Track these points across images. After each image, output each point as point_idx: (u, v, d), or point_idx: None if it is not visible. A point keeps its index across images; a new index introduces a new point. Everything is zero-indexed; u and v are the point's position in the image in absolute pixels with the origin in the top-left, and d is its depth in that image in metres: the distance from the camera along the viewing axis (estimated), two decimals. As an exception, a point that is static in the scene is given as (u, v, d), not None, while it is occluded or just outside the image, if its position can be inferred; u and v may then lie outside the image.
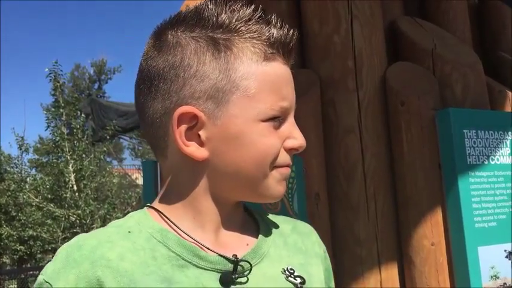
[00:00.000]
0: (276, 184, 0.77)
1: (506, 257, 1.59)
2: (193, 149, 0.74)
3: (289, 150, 0.78)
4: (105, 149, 11.33)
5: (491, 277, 1.55)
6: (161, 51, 0.75)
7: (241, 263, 0.74)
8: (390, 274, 1.63)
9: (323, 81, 1.74)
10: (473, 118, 1.64)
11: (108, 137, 10.69)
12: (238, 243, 0.78)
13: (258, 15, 0.75)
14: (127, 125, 10.77)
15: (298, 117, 1.62)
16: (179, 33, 0.75)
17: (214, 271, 0.72)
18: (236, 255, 0.74)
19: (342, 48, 1.74)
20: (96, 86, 21.25)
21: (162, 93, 0.74)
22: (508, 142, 1.70)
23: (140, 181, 15.02)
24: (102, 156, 11.52)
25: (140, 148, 18.21)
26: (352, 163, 1.67)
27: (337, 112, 1.71)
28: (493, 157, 1.65)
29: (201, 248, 0.73)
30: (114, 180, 12.18)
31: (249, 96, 0.73)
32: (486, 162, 1.63)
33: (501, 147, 1.67)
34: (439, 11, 2.07)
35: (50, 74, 10.44)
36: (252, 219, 0.85)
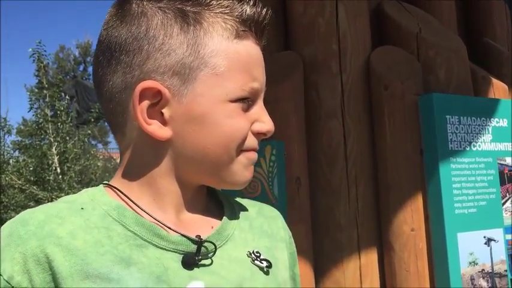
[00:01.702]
0: (242, 169, 0.74)
1: (485, 243, 1.59)
2: (155, 128, 0.69)
3: (256, 135, 0.74)
4: (89, 131, 11.20)
5: (470, 263, 1.55)
6: (124, 21, 0.69)
7: (205, 244, 0.70)
8: (370, 259, 1.62)
9: (306, 63, 1.71)
10: (456, 104, 1.63)
11: (92, 120, 10.59)
12: (201, 225, 0.74)
13: None
14: (112, 108, 10.68)
15: (280, 100, 1.61)
16: (145, 3, 0.70)
17: (176, 252, 0.68)
18: (200, 236, 0.70)
19: (326, 31, 1.71)
20: (81, 67, 20.98)
21: (123, 66, 0.69)
22: (490, 129, 1.69)
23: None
24: (86, 139, 11.40)
25: (125, 131, 18.05)
26: (334, 147, 1.66)
27: (320, 95, 1.69)
28: (474, 143, 1.64)
29: (162, 227, 0.69)
30: (99, 163, 12.07)
31: (218, 75, 0.69)
32: (468, 149, 1.62)
33: (483, 134, 1.67)
34: (425, -4, 2.04)
35: (33, 54, 10.25)
36: (216, 201, 0.82)
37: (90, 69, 20.81)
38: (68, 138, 10.61)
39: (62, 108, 10.67)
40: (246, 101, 0.72)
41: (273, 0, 1.84)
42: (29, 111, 10.79)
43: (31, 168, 10.71)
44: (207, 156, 0.71)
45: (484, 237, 1.59)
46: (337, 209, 1.63)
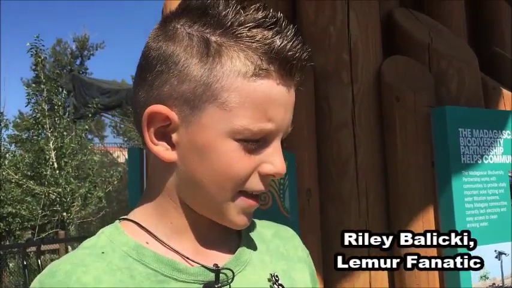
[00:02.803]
0: (234, 213, 0.72)
1: (496, 257, 1.58)
2: (161, 149, 0.71)
3: (265, 176, 0.71)
4: (86, 126, 11.16)
5: (481, 277, 1.54)
6: (157, 40, 0.71)
7: (224, 271, 0.71)
8: (380, 273, 1.61)
9: (317, 73, 1.69)
10: (469, 117, 1.62)
11: (90, 115, 10.56)
12: (219, 251, 0.75)
13: (270, 23, 0.68)
14: (109, 103, 10.65)
15: (291, 111, 1.59)
16: (178, 26, 0.70)
17: (196, 283, 0.69)
18: (217, 265, 0.71)
19: (337, 40, 1.69)
20: (78, 61, 20.87)
21: (147, 84, 0.71)
22: (502, 141, 1.68)
23: (122, 159, 14.88)
24: (83, 134, 11.37)
25: (122, 126, 18.02)
26: (345, 158, 1.64)
27: (330, 106, 1.67)
28: (486, 156, 1.63)
29: (182, 258, 0.71)
30: (96, 158, 12.04)
31: (226, 110, 0.67)
32: (480, 162, 1.61)
33: (495, 146, 1.66)
34: (434, 3, 2.03)
35: (31, 48, 10.21)
36: None
37: (86, 63, 20.73)
38: (65, 133, 10.58)
39: (59, 103, 10.64)
40: (253, 142, 0.69)
41: (283, 8, 1.82)
42: (26, 106, 10.76)
43: (28, 163, 10.67)
44: (202, 190, 0.70)
45: (495, 251, 1.58)
46: (347, 220, 1.62)
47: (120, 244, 0.70)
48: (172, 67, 0.68)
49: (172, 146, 0.70)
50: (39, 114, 10.28)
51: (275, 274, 0.76)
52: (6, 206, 10.41)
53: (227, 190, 0.70)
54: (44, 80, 10.41)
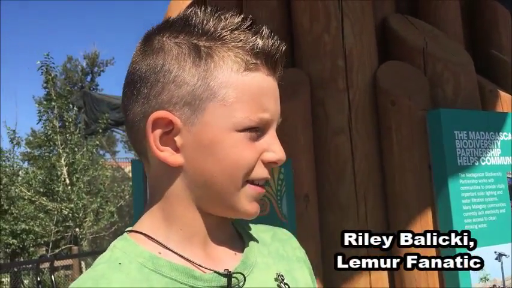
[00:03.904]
0: (246, 201, 0.75)
1: (496, 258, 1.58)
2: (167, 154, 0.73)
3: (267, 164, 0.76)
4: (97, 142, 11.27)
5: (481, 279, 1.54)
6: (145, 56, 0.74)
7: (235, 275, 0.74)
8: (380, 275, 1.62)
9: (313, 80, 1.71)
10: (465, 119, 1.63)
11: (100, 130, 10.65)
12: (227, 256, 0.78)
13: (247, 25, 0.73)
14: (120, 118, 10.73)
15: (288, 117, 1.61)
16: (164, 39, 0.74)
17: None
18: (228, 270, 0.74)
19: (332, 47, 1.72)
20: (88, 78, 21.08)
21: (142, 97, 0.73)
22: (499, 143, 1.68)
23: (133, 174, 14.92)
24: (94, 150, 11.47)
25: (133, 141, 18.06)
26: (342, 164, 1.66)
27: (327, 112, 1.69)
28: (483, 158, 1.64)
29: (194, 268, 0.73)
30: (107, 173, 12.12)
31: (226, 105, 0.71)
32: (477, 164, 1.62)
33: (492, 148, 1.66)
34: (430, 8, 2.05)
35: (41, 66, 10.36)
36: (235, 230, 0.85)
37: (97, 79, 20.93)
38: (76, 149, 10.68)
39: (70, 120, 10.76)
40: (254, 131, 0.73)
41: (279, 16, 1.85)
42: (37, 123, 10.88)
43: (40, 180, 10.77)
44: (215, 185, 0.73)
45: (495, 252, 1.58)
46: (346, 225, 1.63)
47: (135, 256, 0.72)
48: (167, 75, 0.72)
49: (177, 150, 0.73)
50: (50, 131, 10.40)
51: (281, 274, 0.80)
52: (19, 222, 10.51)
53: (238, 180, 0.73)
54: (54, 97, 10.53)
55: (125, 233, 0.77)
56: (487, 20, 2.21)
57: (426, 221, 1.59)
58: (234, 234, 0.83)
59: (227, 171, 0.72)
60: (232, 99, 0.71)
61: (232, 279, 0.73)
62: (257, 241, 0.84)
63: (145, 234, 0.75)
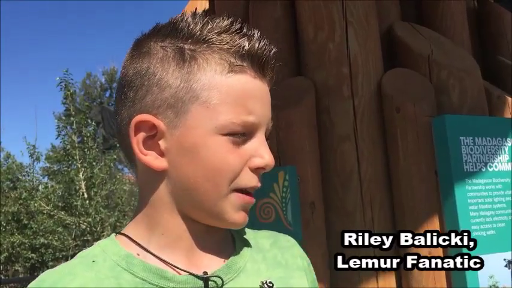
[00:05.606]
0: (231, 210, 0.72)
1: (506, 265, 1.56)
2: (151, 159, 0.71)
3: (255, 170, 0.73)
4: (115, 156, 11.37)
5: (490, 286, 1.51)
6: (133, 60, 0.74)
7: (214, 279, 0.71)
8: (388, 282, 1.61)
9: (318, 88, 1.72)
10: (470, 125, 1.62)
11: (118, 145, 10.73)
12: (212, 261, 0.75)
13: (235, 28, 0.72)
14: (137, 133, 10.82)
15: (293, 125, 1.62)
16: (151, 43, 0.74)
17: None
18: (206, 272, 0.71)
19: (337, 55, 1.73)
20: (107, 94, 21.40)
21: (129, 101, 0.73)
22: (507, 148, 1.67)
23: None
24: (112, 164, 11.57)
25: (151, 155, 18.23)
26: (348, 171, 1.66)
27: (332, 119, 1.70)
28: (491, 164, 1.62)
29: (168, 269, 0.71)
30: (125, 188, 12.21)
31: (209, 108, 0.70)
32: (484, 170, 1.60)
33: (499, 154, 1.65)
34: (436, 15, 2.05)
35: (60, 82, 10.53)
36: (229, 236, 0.82)
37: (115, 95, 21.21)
38: (94, 163, 10.78)
39: (89, 135, 10.88)
40: (239, 136, 0.71)
41: (284, 25, 1.87)
42: (56, 138, 11.02)
43: (59, 194, 10.89)
44: (197, 191, 0.71)
45: (504, 259, 1.56)
46: (352, 232, 1.62)
47: (111, 254, 0.72)
48: (151, 78, 0.71)
49: (162, 154, 0.71)
50: (69, 146, 10.52)
51: (267, 281, 0.76)
52: (38, 237, 10.61)
53: (222, 186, 0.71)
54: (73, 113, 10.68)
55: (113, 234, 0.77)
56: (494, 26, 2.20)
57: (433, 227, 1.58)
58: (228, 239, 0.81)
59: (210, 176, 0.70)
60: (216, 101, 0.69)
61: (210, 282, 0.70)
62: (252, 247, 0.82)
63: (128, 237, 0.74)
